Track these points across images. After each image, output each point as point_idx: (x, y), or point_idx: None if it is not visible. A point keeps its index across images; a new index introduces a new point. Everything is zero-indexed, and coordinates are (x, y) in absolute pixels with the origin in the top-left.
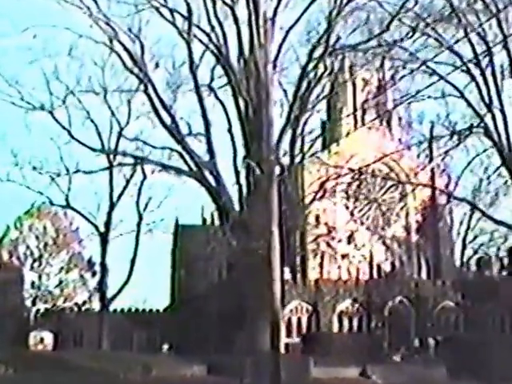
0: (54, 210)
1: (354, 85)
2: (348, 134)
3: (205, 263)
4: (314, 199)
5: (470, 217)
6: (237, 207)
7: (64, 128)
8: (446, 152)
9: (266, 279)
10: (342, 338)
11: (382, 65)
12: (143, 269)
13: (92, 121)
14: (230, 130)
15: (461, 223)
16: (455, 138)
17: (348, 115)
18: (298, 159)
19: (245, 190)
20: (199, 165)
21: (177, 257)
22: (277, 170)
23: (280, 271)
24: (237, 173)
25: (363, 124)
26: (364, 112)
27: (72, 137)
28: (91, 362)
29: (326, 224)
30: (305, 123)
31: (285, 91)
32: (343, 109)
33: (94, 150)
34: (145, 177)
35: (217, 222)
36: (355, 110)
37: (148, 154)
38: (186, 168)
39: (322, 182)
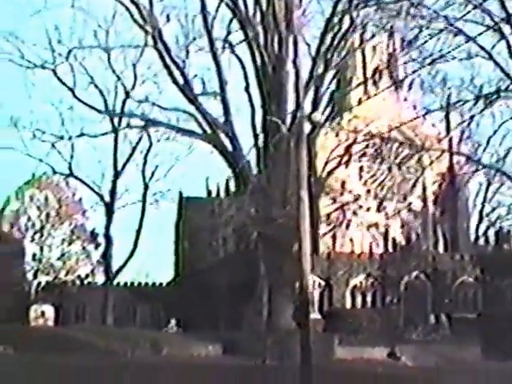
0: (55, 180)
1: (363, 54)
2: (360, 102)
3: (210, 236)
4: (339, 164)
5: (487, 189)
6: (255, 173)
7: (67, 87)
8: (471, 118)
9: (288, 251)
10: (369, 314)
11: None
12: (147, 241)
13: (96, 85)
14: (247, 89)
15: (477, 195)
16: (481, 102)
17: (359, 84)
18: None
19: (262, 154)
20: (214, 127)
21: (181, 229)
22: (306, 127)
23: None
24: (255, 135)
25: (376, 91)
26: (375, 81)
27: (76, 97)
28: (96, 338)
29: (350, 192)
30: (330, 82)
31: (308, 45)
32: (353, 78)
33: (99, 111)
34: (151, 144)
35: (222, 194)
36: (366, 78)
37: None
38: (199, 131)
39: (348, 146)
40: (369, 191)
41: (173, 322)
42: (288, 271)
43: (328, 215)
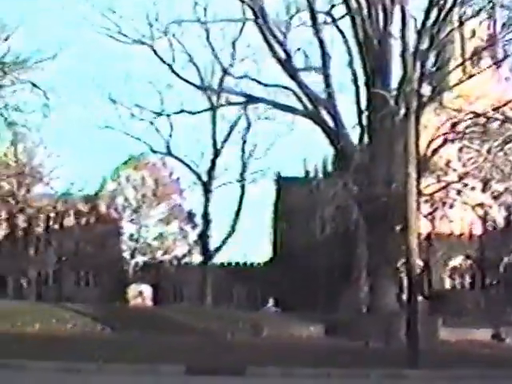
0: (152, 161)
1: (461, 36)
2: (461, 81)
3: (308, 216)
4: (445, 142)
5: None
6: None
7: (165, 63)
8: None
9: (391, 230)
10: (473, 296)
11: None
12: (244, 221)
13: (194, 63)
14: (350, 64)
15: None
16: None
17: (461, 63)
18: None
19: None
20: (316, 103)
21: (278, 210)
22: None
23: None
24: (359, 112)
25: (477, 71)
26: (474, 61)
27: (174, 72)
28: (194, 319)
29: (455, 170)
30: (436, 59)
31: (414, 19)
32: (451, 59)
33: (198, 87)
34: (249, 123)
35: (320, 175)
36: (464, 60)
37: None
38: (300, 107)
39: (454, 124)
40: (467, 173)
41: (271, 301)
42: (391, 251)
43: (431, 195)
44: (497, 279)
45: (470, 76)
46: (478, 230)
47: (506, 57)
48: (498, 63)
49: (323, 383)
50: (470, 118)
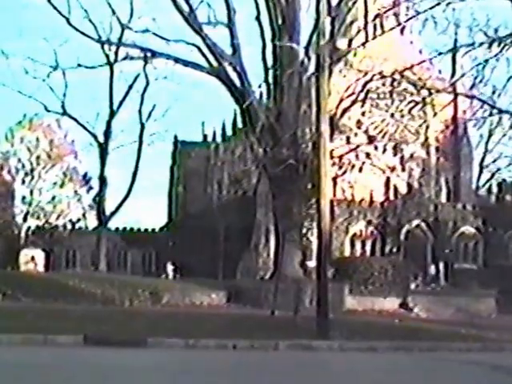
0: (47, 121)
1: None
2: (366, 42)
3: (205, 181)
4: (355, 101)
5: (488, 139)
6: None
7: (62, 15)
8: (486, 61)
9: (298, 194)
10: (380, 263)
11: None
12: (140, 185)
13: (90, 20)
14: (258, 18)
15: (477, 146)
16: (495, 46)
17: (364, 26)
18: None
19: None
20: (221, 60)
21: (175, 174)
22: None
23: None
24: (266, 69)
25: (380, 34)
26: (376, 25)
27: (71, 25)
28: (89, 286)
29: (366, 132)
30: (348, 11)
31: None
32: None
33: (96, 40)
34: (148, 82)
35: (219, 139)
36: (366, 23)
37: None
38: (205, 64)
39: (365, 83)
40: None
41: (170, 267)
42: (298, 216)
43: (340, 157)
44: (397, 246)
45: (374, 38)
46: (379, 197)
47: (408, 19)
48: (400, 25)
49: (230, 355)
50: (378, 80)
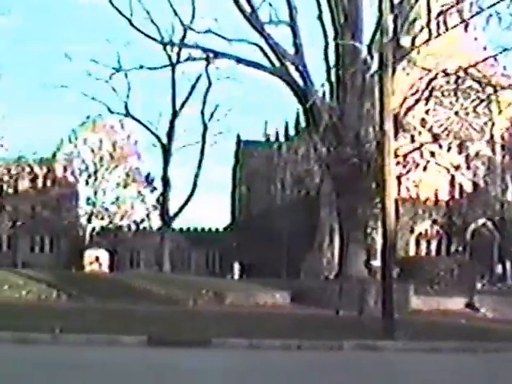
0: (110, 123)
1: None
2: (429, 40)
3: (268, 181)
4: (419, 100)
5: None
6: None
7: (124, 16)
8: None
9: (362, 193)
10: (446, 263)
11: None
12: (203, 185)
13: (152, 20)
14: (320, 17)
15: None
16: None
17: (427, 23)
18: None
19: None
20: (283, 59)
21: (238, 174)
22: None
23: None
24: (328, 69)
25: (444, 31)
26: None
27: (133, 26)
28: (154, 286)
29: (430, 130)
30: (411, 9)
31: None
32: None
33: (159, 42)
34: (210, 83)
35: (281, 139)
36: (429, 20)
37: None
38: (267, 64)
39: (430, 80)
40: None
41: (236, 267)
42: (362, 215)
43: (404, 156)
44: (463, 245)
45: (437, 35)
46: (444, 196)
47: (472, 16)
48: (464, 22)
49: (294, 356)
50: (442, 77)
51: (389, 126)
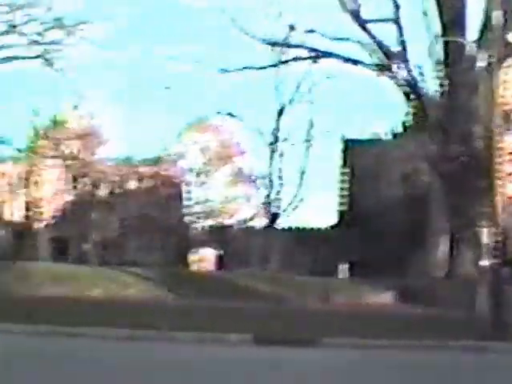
0: (216, 123)
1: None
2: None
3: (375, 179)
4: None
5: None
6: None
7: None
8: None
9: (471, 191)
10: None
11: None
12: (309, 183)
13: (258, 22)
14: (426, 13)
15: None
16: None
17: None
18: None
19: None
20: (388, 56)
21: (345, 172)
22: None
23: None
24: (435, 65)
25: None
26: None
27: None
28: (260, 285)
29: None
30: None
31: None
32: None
33: (264, 41)
34: (315, 82)
35: (389, 137)
36: None
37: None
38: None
39: None
40: None
41: (344, 266)
42: (472, 214)
43: None
44: None
45: None
46: None
47: None
48: None
49: (401, 356)
50: None
51: (498, 122)
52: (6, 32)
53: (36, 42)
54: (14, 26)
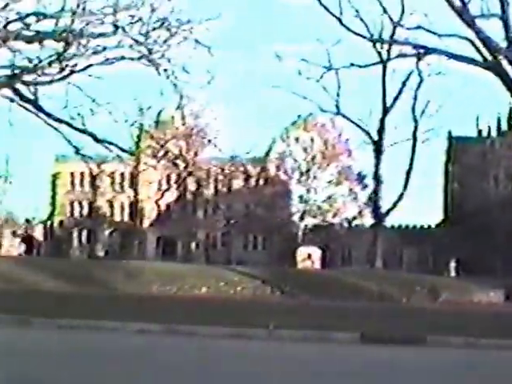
0: (321, 122)
1: None
2: None
3: (481, 177)
4: None
5: None
6: None
7: (333, 15)
8: None
9: None
10: None
11: None
12: (416, 182)
13: (361, 19)
14: None
15: None
16: None
17: None
18: None
19: None
20: (496, 53)
21: (450, 170)
22: None
23: None
24: None
25: None
26: None
27: (343, 25)
28: (366, 283)
29: None
30: None
31: None
32: None
33: (370, 39)
34: (421, 79)
35: (494, 134)
36: None
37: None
38: (478, 58)
39: None
40: None
41: (452, 264)
42: None
43: None
44: None
45: None
46: None
47: None
48: None
49: (510, 355)
50: None
51: None
52: (112, 33)
53: (140, 43)
54: (119, 27)
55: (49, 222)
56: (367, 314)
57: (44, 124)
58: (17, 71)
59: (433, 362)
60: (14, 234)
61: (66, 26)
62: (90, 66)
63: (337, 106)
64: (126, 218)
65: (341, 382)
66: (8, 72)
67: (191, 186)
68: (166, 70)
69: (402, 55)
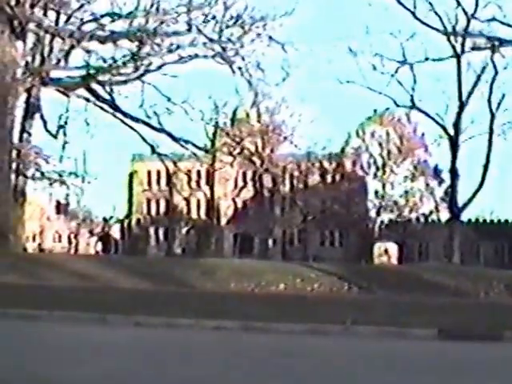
0: (396, 116)
1: None
2: None
3: None
4: None
5: None
6: None
7: (408, 9)
8: None
9: None
10: None
11: None
12: (493, 176)
13: (436, 12)
14: None
15: None
16: None
17: None
18: None
19: None
20: None
21: None
22: None
23: None
24: None
25: None
26: None
27: (417, 18)
28: (443, 278)
29: None
30: None
31: None
32: None
33: (444, 32)
34: (496, 72)
35: None
36: None
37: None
38: None
39: None
40: None
41: None
42: None
43: None
44: None
45: None
46: None
47: None
48: None
49: None
50: None
51: None
52: (186, 31)
53: (214, 41)
54: (192, 26)
55: (126, 221)
56: (444, 309)
57: (120, 123)
58: (92, 71)
59: (509, 359)
60: (91, 232)
61: (139, 26)
62: (165, 64)
63: (412, 101)
64: (203, 215)
65: (418, 378)
66: (83, 72)
67: (267, 182)
68: (240, 68)
69: (476, 48)
